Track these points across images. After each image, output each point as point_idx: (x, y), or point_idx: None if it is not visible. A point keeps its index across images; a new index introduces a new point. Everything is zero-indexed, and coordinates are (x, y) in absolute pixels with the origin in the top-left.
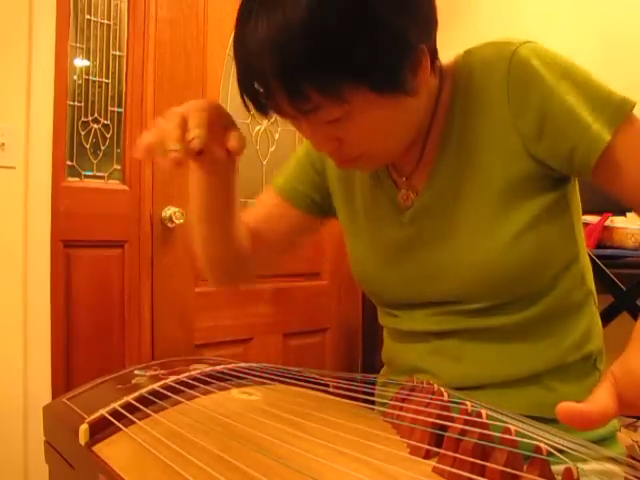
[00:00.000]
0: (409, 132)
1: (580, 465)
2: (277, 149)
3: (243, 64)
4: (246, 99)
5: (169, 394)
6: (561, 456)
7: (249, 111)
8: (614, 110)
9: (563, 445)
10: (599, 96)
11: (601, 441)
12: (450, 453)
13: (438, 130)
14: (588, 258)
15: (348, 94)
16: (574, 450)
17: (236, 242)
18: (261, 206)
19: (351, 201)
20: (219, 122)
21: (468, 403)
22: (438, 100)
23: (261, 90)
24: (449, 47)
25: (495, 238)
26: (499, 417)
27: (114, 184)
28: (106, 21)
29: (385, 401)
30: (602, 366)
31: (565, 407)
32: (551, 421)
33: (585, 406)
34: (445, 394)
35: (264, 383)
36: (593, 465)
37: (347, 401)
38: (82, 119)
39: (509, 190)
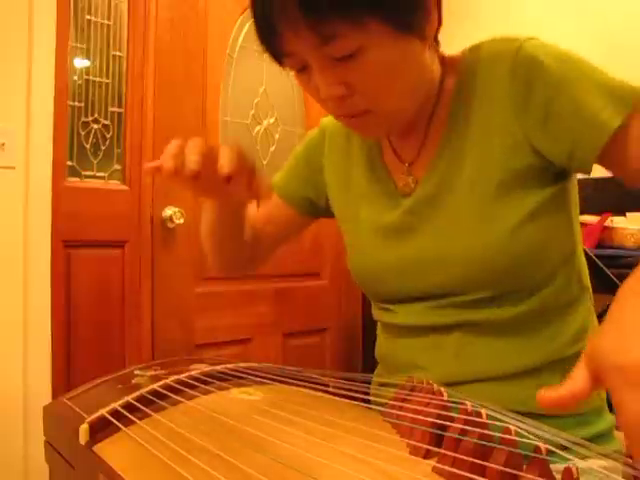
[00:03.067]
0: (415, 93)
1: (580, 464)
2: (277, 149)
3: None
4: (263, 37)
5: (169, 394)
6: (562, 453)
7: (265, 51)
8: (627, 96)
9: (562, 445)
10: (609, 84)
11: (598, 437)
12: (450, 453)
13: (441, 119)
14: (584, 255)
15: (367, 21)
16: (573, 448)
17: (243, 249)
18: (262, 206)
19: (347, 190)
20: (242, 163)
21: (468, 403)
22: (441, 87)
23: (279, 23)
24: (448, 46)
25: (495, 228)
26: (499, 417)
27: (114, 184)
28: (106, 21)
29: (382, 401)
30: None
31: (545, 395)
32: (549, 417)
33: (563, 390)
34: (445, 394)
35: (264, 383)
36: (591, 463)
37: (347, 401)
38: (82, 119)
39: (509, 182)
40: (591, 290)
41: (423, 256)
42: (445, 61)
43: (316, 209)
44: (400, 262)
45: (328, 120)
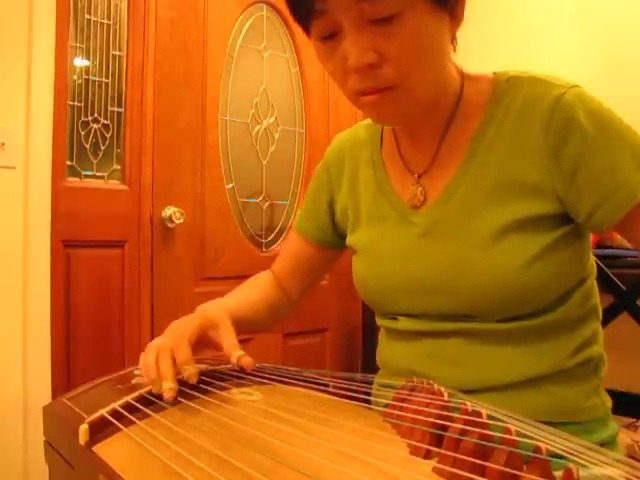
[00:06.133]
0: (439, 77)
1: (580, 472)
2: (277, 149)
3: None
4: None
5: None
6: (560, 461)
7: (292, 11)
8: None
9: (562, 449)
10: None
11: (601, 446)
12: (450, 453)
13: (460, 137)
14: (595, 276)
15: None
16: (574, 454)
17: (271, 315)
18: (286, 255)
19: (358, 210)
20: (207, 337)
21: (468, 403)
22: (462, 98)
23: None
24: None
25: (506, 261)
26: (499, 417)
27: (114, 184)
28: (106, 21)
29: (382, 401)
30: (603, 374)
31: None
32: (550, 424)
33: None
34: (445, 394)
35: (264, 383)
36: (593, 470)
37: (347, 401)
38: (82, 119)
39: (525, 221)
40: (600, 308)
41: (432, 281)
42: (464, 74)
43: (334, 240)
44: (408, 284)
45: (341, 137)
